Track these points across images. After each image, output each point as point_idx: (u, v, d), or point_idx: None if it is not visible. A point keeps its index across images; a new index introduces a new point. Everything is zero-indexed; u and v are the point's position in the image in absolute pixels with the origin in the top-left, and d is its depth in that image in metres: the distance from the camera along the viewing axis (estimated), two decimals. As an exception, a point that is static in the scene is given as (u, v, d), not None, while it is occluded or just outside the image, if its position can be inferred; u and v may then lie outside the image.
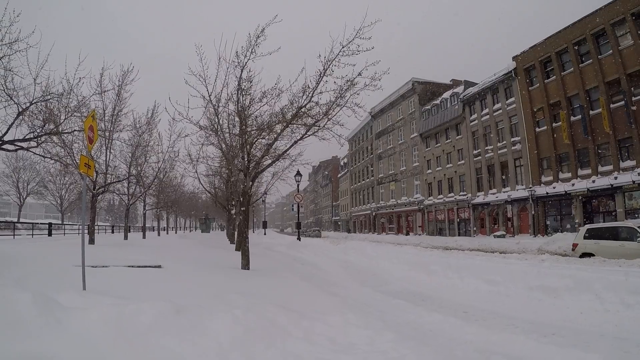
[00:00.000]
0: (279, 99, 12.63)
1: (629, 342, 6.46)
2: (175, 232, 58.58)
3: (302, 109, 12.14)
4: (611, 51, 32.76)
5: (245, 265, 12.72)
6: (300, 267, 16.43)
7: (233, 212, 14.79)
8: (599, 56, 33.86)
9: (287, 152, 14.06)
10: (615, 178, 32.16)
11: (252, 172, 13.08)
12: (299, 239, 32.29)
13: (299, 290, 9.70)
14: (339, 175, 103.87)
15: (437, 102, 54.45)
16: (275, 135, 12.84)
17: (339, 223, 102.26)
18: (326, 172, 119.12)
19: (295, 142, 13.12)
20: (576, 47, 35.80)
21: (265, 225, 66.97)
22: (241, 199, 13.96)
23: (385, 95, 65.99)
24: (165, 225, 56.21)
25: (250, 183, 13.26)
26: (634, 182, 30.69)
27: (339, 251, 22.77)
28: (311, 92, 11.83)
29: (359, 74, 11.44)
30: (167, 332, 4.60)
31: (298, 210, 35.28)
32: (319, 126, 12.47)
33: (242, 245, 13.21)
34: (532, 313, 8.62)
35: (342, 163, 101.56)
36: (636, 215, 30.73)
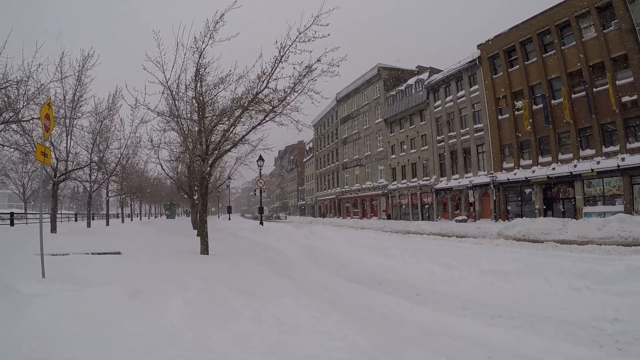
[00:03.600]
0: (238, 85, 12.32)
1: (574, 324, 6.56)
2: (140, 219, 56.30)
3: (259, 95, 11.86)
4: (574, 42, 32.91)
5: (205, 250, 12.42)
6: (261, 252, 16.04)
7: (195, 197, 14.05)
8: (562, 47, 33.97)
9: (247, 138, 13.77)
10: (575, 166, 32.47)
11: (210, 157, 12.75)
12: (261, 223, 31.52)
13: (255, 274, 9.47)
14: (305, 159, 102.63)
15: (402, 88, 53.82)
16: (232, 121, 12.55)
17: (305, 207, 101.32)
18: (292, 157, 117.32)
19: (253, 128, 12.85)
20: (540, 38, 35.80)
21: (229, 210, 65.55)
22: (199, 184, 13.64)
23: (350, 81, 65.13)
24: (130, 212, 54.07)
25: (209, 169, 12.90)
26: (592, 170, 31.09)
27: (302, 235, 22.46)
28: (267, 78, 11.56)
29: (318, 60, 11.17)
30: (123, 314, 4.72)
31: (260, 195, 34.22)
32: (276, 112, 12.20)
33: (201, 231, 12.94)
34: (483, 296, 8.72)
35: (307, 148, 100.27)
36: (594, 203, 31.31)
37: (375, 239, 20.02)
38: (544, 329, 6.37)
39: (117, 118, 23.23)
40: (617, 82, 30.17)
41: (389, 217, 54.11)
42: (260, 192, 33.78)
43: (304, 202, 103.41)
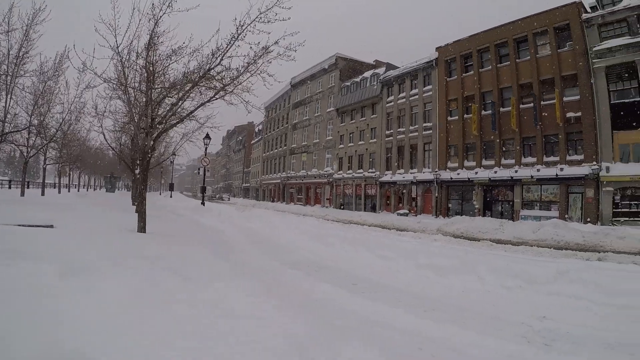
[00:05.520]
0: (191, 58, 11.74)
1: (504, 321, 6.62)
2: (78, 190, 52.86)
3: (211, 72, 11.40)
4: (529, 57, 33.80)
5: (142, 228, 11.79)
6: (201, 233, 15.49)
7: (137, 172, 13.16)
8: (517, 60, 34.82)
9: (195, 114, 13.25)
10: (516, 171, 33.49)
11: (155, 131, 12.07)
12: (203, 203, 30.46)
13: (193, 256, 8.99)
14: (253, 141, 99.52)
15: (358, 80, 53.08)
16: (181, 95, 11.92)
17: (249, 190, 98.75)
18: (240, 138, 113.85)
19: (202, 105, 12.36)
20: (497, 48, 36.44)
21: (171, 188, 62.85)
22: (141, 159, 12.86)
23: (307, 67, 63.61)
24: (68, 183, 50.61)
25: (152, 143, 12.23)
26: (532, 177, 32.29)
27: (244, 218, 22.18)
28: (221, 55, 11.12)
29: (275, 43, 10.85)
30: (54, 294, 4.42)
31: (204, 173, 33.02)
32: (226, 91, 11.76)
33: (140, 208, 12.14)
34: (418, 289, 8.65)
35: (257, 130, 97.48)
36: (531, 207, 32.86)
37: (317, 226, 19.99)
38: (475, 323, 6.37)
39: (63, 80, 21.65)
40: (564, 99, 31.25)
41: (341, 207, 53.18)
42: (204, 171, 32.66)
43: (248, 184, 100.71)
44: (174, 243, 10.50)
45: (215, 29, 10.94)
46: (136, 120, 12.38)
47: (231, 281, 6.66)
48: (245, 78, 11.51)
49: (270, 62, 11.26)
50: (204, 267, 7.83)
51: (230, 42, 10.92)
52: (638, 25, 27.86)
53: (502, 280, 8.83)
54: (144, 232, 11.70)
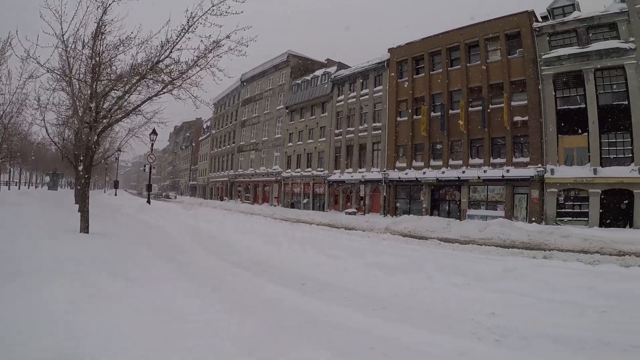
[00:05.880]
0: (139, 50, 11.01)
1: (454, 318, 6.57)
2: (19, 188, 48.74)
3: (159, 64, 10.86)
4: (479, 62, 33.91)
5: (85, 228, 10.99)
6: (146, 232, 14.79)
7: (81, 168, 11.80)
8: (467, 64, 34.84)
9: (141, 109, 12.73)
10: (464, 172, 33.54)
11: (99, 125, 11.36)
12: (148, 202, 28.75)
13: (138, 257, 8.64)
14: (201, 138, 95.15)
15: (308, 78, 51.57)
16: (127, 88, 11.29)
17: (196, 188, 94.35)
18: (188, 134, 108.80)
19: (149, 99, 11.76)
20: (449, 52, 36.27)
21: (116, 185, 59.29)
22: (85, 154, 11.99)
23: (258, 63, 61.20)
24: (8, 180, 46.58)
25: (96, 138, 11.50)
26: (479, 177, 32.37)
27: (190, 217, 21.65)
28: (170, 47, 10.58)
29: (227, 37, 10.47)
30: None
31: (150, 171, 31.32)
32: (174, 85, 11.25)
33: (82, 207, 11.39)
34: (367, 288, 8.43)
35: (205, 126, 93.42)
36: (478, 206, 33.08)
37: (265, 225, 19.98)
38: (425, 321, 6.30)
39: (5, 70, 19.55)
40: (512, 103, 31.44)
41: (292, 206, 51.33)
42: (150, 168, 31.11)
43: (195, 182, 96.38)
44: (118, 244, 10.03)
45: (166, 20, 10.34)
46: (80, 114, 11.41)
47: (178, 283, 6.46)
48: (194, 72, 11.12)
49: (220, 57, 10.93)
50: (150, 268, 7.53)
51: (180, 34, 10.41)
52: (586, 37, 28.54)
53: (451, 278, 8.81)
54: (87, 232, 10.92)
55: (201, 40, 10.48)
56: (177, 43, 10.51)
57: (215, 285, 7.24)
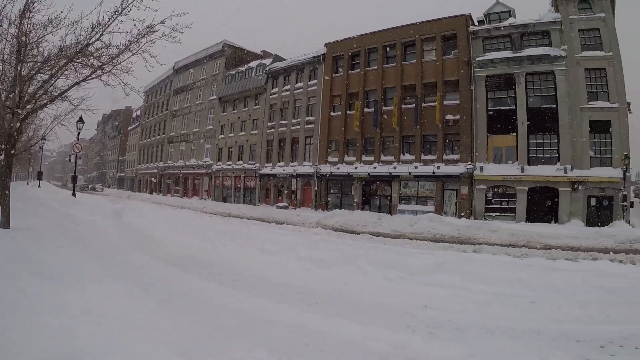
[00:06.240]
0: (69, 31, 9.80)
1: (388, 311, 6.49)
2: None
3: (89, 48, 9.86)
4: (415, 61, 33.22)
5: (5, 223, 9.71)
6: (71, 227, 13.14)
7: (2, 157, 9.48)
8: (403, 62, 34.06)
9: (68, 94, 11.29)
10: (395, 168, 32.60)
11: (23, 111, 10.14)
12: (74, 194, 25.76)
13: (63, 254, 7.41)
14: (130, 128, 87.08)
15: (243, 69, 48.33)
16: (54, 71, 10.10)
17: (125, 180, 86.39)
18: (116, 123, 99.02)
19: (77, 84, 10.56)
20: (385, 49, 35.29)
21: (40, 177, 53.09)
22: (6, 143, 10.37)
23: (192, 52, 56.46)
24: None
25: (19, 125, 10.31)
26: (410, 173, 31.61)
27: (117, 211, 20.09)
28: (102, 30, 9.63)
29: (162, 22, 9.59)
30: None
31: (76, 161, 27.75)
32: (104, 70, 10.18)
33: (2, 199, 10.05)
34: (301, 283, 8.24)
35: (135, 115, 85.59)
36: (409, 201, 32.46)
37: (196, 219, 19.44)
38: (359, 315, 6.13)
39: None
40: (445, 102, 30.98)
41: (225, 200, 47.76)
42: (76, 159, 27.85)
43: (123, 174, 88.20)
44: (41, 240, 8.71)
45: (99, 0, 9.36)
46: (2, 98, 10.06)
47: (106, 283, 5.84)
48: (125, 57, 10.21)
49: (154, 43, 10.03)
50: (76, 267, 6.62)
51: (113, 17, 9.47)
52: (520, 42, 28.93)
53: (384, 272, 8.70)
54: (8, 227, 9.67)
55: (134, 25, 9.59)
56: (109, 26, 9.60)
57: (145, 285, 6.68)
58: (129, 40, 9.93)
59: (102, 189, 79.15)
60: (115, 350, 3.45)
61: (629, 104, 25.65)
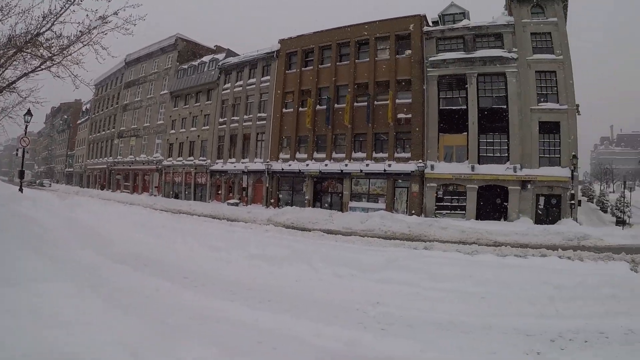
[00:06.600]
0: (20, 20, 9.21)
1: (339, 308, 6.29)
2: None
3: (39, 37, 9.29)
4: (368, 59, 31.96)
5: None
6: (19, 225, 11.34)
7: None
8: (356, 60, 32.61)
9: (16, 85, 11.00)
10: (346, 165, 31.26)
11: None
12: (21, 190, 23.31)
13: (7, 253, 6.40)
14: (79, 121, 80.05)
15: (196, 63, 45.21)
16: (2, 61, 9.71)
17: (73, 175, 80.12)
18: (66, 117, 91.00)
19: (25, 75, 10.20)
20: (339, 47, 33.69)
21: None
22: None
23: (145, 45, 52.27)
24: None
25: None
26: (361, 171, 30.41)
27: (66, 207, 18.56)
28: (53, 19, 8.98)
29: (115, 13, 8.90)
30: None
31: (23, 156, 25.34)
32: (54, 61, 9.61)
33: None
34: (252, 280, 7.81)
35: (84, 108, 78.56)
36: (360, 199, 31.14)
37: (145, 216, 18.60)
38: (312, 312, 5.90)
39: None
40: (397, 101, 29.92)
41: (177, 196, 44.56)
42: (24, 153, 25.51)
43: (72, 169, 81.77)
44: None
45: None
46: None
47: (53, 281, 5.14)
48: (76, 49, 9.76)
49: (105, 34, 9.60)
50: (23, 266, 5.85)
51: (65, 6, 8.96)
52: (473, 44, 28.24)
53: (335, 269, 8.49)
54: None
55: (87, 15, 9.04)
56: (61, 15, 9.11)
57: (94, 282, 6.06)
58: (80, 31, 9.41)
59: (50, 184, 72.63)
60: (63, 351, 3.21)
61: (577, 105, 25.68)
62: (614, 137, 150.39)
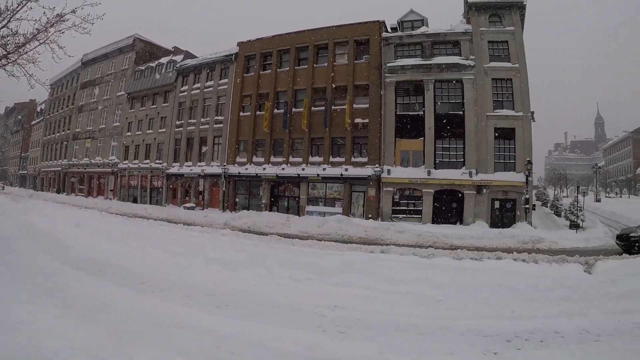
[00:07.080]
0: None
1: (297, 312, 6.22)
2: None
3: None
4: (326, 64, 31.44)
5: None
6: None
7: None
8: (314, 64, 32.00)
9: None
10: (303, 169, 30.51)
11: None
12: None
13: None
14: (34, 122, 75.98)
15: (153, 65, 43.33)
16: None
17: (27, 178, 75.68)
18: (20, 117, 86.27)
19: None
20: (298, 51, 33.02)
21: None
22: None
23: (102, 44, 50.07)
24: None
25: None
26: (318, 175, 29.82)
27: (20, 211, 19.19)
28: (10, 16, 8.76)
29: (73, 12, 8.72)
30: None
31: None
32: (9, 59, 9.38)
33: None
34: (210, 284, 7.75)
35: (39, 109, 74.44)
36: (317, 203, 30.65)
37: (101, 220, 18.64)
38: (270, 316, 5.91)
39: None
40: (355, 106, 29.51)
41: (134, 200, 42.62)
42: None
43: (26, 172, 77.26)
44: None
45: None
46: None
47: (9, 287, 5.56)
48: (32, 47, 9.43)
49: (63, 33, 9.23)
50: None
51: (22, 2, 8.72)
52: (430, 50, 28.12)
53: (292, 272, 8.48)
54: None
55: (44, 12, 8.86)
56: (17, 12, 8.92)
57: (49, 288, 6.22)
58: (37, 29, 9.21)
59: (3, 187, 69.12)
60: (15, 357, 3.16)
61: (532, 112, 25.67)
62: (568, 144, 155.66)
